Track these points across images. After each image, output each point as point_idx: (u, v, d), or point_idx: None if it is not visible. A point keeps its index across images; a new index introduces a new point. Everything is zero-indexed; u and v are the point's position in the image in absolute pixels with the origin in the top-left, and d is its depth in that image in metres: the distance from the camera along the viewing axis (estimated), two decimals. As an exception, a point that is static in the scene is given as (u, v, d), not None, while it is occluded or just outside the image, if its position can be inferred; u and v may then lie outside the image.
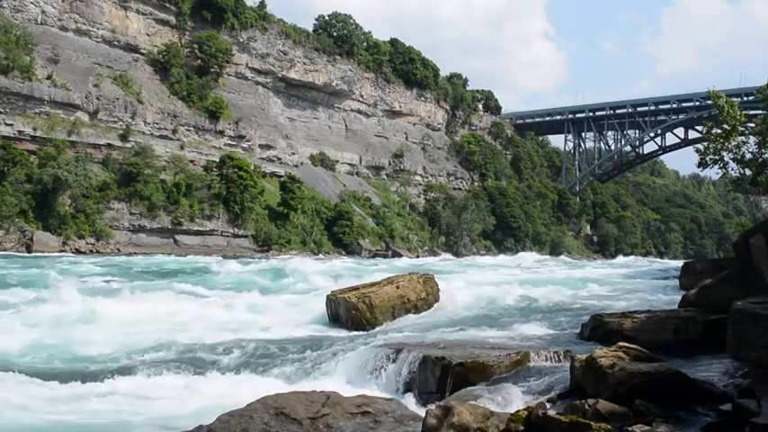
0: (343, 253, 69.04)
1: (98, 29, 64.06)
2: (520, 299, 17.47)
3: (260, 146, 75.47)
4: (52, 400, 8.91)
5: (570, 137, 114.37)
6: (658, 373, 6.84)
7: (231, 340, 12.89)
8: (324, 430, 6.76)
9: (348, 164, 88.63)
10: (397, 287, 15.51)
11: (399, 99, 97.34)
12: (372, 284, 15.96)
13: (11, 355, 11.45)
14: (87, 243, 51.87)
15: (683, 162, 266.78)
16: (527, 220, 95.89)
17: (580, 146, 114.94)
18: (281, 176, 73.11)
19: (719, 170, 23.42)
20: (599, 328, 11.01)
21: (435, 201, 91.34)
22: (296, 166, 79.11)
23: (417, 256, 70.10)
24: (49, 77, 56.28)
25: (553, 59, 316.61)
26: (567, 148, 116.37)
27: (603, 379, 6.97)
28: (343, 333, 13.48)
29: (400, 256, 68.30)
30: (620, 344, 7.91)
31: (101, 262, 33.73)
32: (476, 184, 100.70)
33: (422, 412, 6.88)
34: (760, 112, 39.42)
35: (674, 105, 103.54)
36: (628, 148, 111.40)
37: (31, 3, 58.82)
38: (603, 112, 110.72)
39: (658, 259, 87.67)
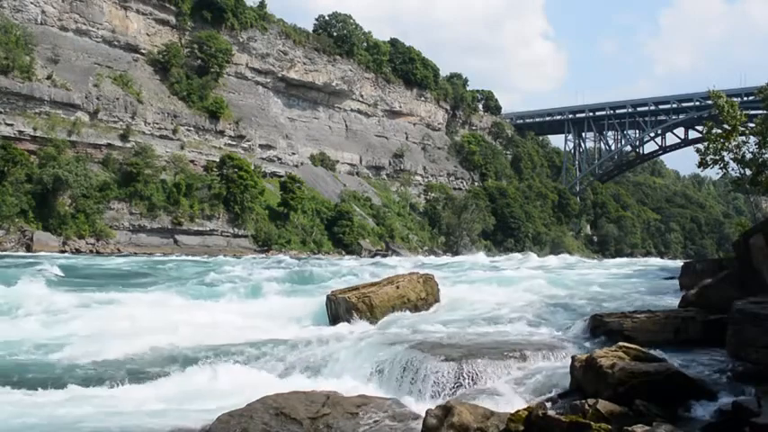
0: (344, 253, 68.98)
1: (98, 29, 64.07)
2: (520, 299, 17.43)
3: (260, 146, 75.46)
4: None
5: (570, 137, 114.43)
6: (658, 373, 6.84)
7: (230, 340, 12.88)
8: (324, 430, 6.76)
9: (348, 164, 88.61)
10: (397, 287, 15.48)
11: (399, 99, 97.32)
12: (372, 284, 15.94)
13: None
14: (87, 243, 51.92)
15: (683, 162, 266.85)
16: (527, 220, 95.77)
17: (580, 146, 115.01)
18: (282, 176, 73.14)
19: (720, 170, 23.37)
20: (599, 329, 11.00)
21: (435, 201, 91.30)
22: (296, 166, 79.11)
23: (417, 256, 69.94)
24: (49, 77, 56.27)
25: (553, 60, 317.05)
26: (567, 148, 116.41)
27: (603, 379, 6.97)
28: (343, 333, 13.47)
29: (400, 256, 68.16)
30: (620, 344, 7.92)
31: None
32: (476, 184, 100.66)
33: (422, 412, 6.88)
34: (760, 112, 39.35)
35: (674, 105, 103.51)
36: (628, 148, 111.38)
37: (31, 3, 58.82)
38: (603, 112, 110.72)
39: (659, 259, 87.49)
